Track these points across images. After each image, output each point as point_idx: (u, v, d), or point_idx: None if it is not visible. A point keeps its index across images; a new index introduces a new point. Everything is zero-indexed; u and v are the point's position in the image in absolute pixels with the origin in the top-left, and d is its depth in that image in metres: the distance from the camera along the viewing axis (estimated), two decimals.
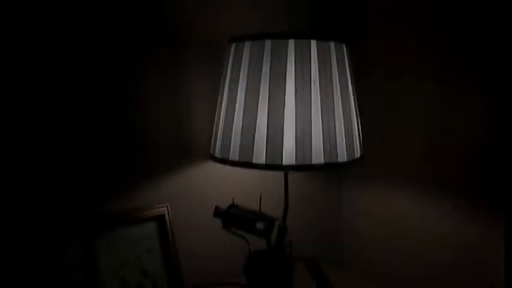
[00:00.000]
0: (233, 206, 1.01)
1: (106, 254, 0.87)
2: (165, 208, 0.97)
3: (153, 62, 1.04)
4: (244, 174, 1.18)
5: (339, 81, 0.93)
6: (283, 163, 0.88)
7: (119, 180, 1.01)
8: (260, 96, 0.90)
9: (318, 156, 0.89)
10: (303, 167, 0.89)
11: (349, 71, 0.97)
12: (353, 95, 0.98)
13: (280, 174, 1.05)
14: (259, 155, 0.90)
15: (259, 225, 0.98)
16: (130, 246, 0.91)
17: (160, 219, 0.95)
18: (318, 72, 0.90)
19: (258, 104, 0.90)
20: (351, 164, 0.94)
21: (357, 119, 0.99)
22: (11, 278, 0.89)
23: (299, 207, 1.30)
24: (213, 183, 1.14)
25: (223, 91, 0.98)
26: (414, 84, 1.21)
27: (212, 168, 1.13)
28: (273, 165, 0.89)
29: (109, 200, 1.00)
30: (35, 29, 0.88)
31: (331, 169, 0.89)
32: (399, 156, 1.26)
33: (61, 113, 0.93)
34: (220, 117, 0.98)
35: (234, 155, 0.93)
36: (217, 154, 0.97)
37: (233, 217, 0.99)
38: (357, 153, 0.97)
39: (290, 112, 0.89)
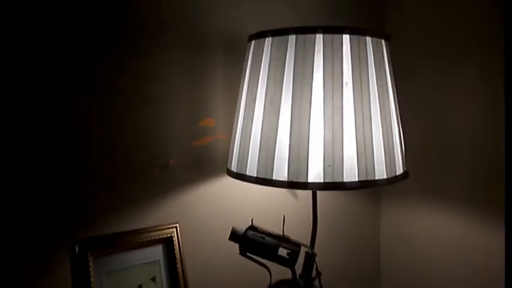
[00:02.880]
0: (252, 228, 0.87)
1: (102, 283, 0.75)
2: (174, 229, 0.84)
3: (172, 66, 0.94)
4: (266, 192, 1.04)
5: (377, 84, 0.78)
6: (309, 180, 0.74)
7: (123, 199, 0.91)
8: (282, 103, 0.77)
9: (351, 174, 0.74)
10: (332, 186, 0.74)
11: (389, 72, 0.82)
12: (394, 100, 0.82)
13: (307, 192, 0.90)
14: (281, 171, 0.76)
15: (283, 252, 0.84)
16: (132, 275, 0.79)
17: (168, 241, 0.83)
18: (351, 73, 0.75)
19: (279, 112, 0.77)
20: (391, 182, 0.78)
21: (399, 129, 0.83)
22: None
23: (329, 231, 1.14)
24: (229, 202, 1.01)
25: (240, 98, 0.86)
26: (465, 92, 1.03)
27: (229, 185, 1.00)
28: (296, 183, 0.75)
29: (111, 221, 0.90)
30: None
31: (367, 188, 0.74)
32: (445, 171, 1.07)
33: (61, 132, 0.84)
34: (237, 128, 0.85)
35: (251, 170, 0.79)
36: (234, 169, 0.84)
37: (252, 241, 0.85)
38: (399, 169, 0.81)
39: (317, 121, 0.74)
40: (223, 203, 1.01)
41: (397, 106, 0.84)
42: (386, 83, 0.80)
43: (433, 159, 1.10)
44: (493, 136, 0.98)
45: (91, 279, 0.73)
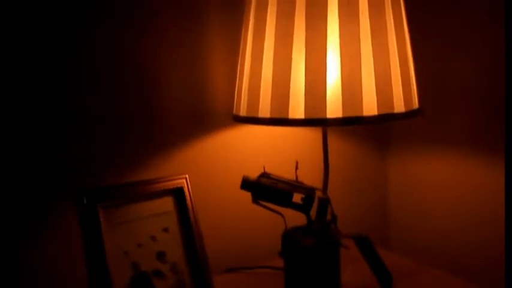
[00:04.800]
0: (264, 175, 0.84)
1: (113, 235, 0.71)
2: (184, 180, 0.81)
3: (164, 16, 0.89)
4: (276, 138, 1.01)
5: (393, 13, 0.74)
6: (328, 116, 0.71)
7: (127, 151, 0.88)
8: (294, 37, 0.72)
9: (370, 107, 0.71)
10: (351, 120, 0.71)
11: (403, 2, 0.79)
12: (408, 31, 0.79)
13: (319, 137, 0.87)
14: (297, 109, 0.72)
15: (297, 197, 0.82)
16: (143, 226, 0.75)
17: (178, 192, 0.80)
18: (366, 1, 0.72)
19: (292, 47, 0.72)
20: (409, 115, 0.76)
21: (413, 63, 0.80)
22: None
23: (340, 176, 1.12)
24: (238, 150, 0.98)
25: (246, 38, 0.81)
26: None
27: (237, 133, 0.97)
28: (314, 119, 0.72)
29: (117, 173, 0.86)
30: None
31: (385, 122, 0.72)
32: (454, 115, 1.06)
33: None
34: (244, 70, 0.81)
35: (264, 111, 0.76)
36: (243, 113, 0.80)
37: (265, 188, 0.82)
38: (415, 104, 0.79)
39: (333, 53, 0.71)
40: (232, 153, 0.97)
41: (410, 40, 0.81)
42: (401, 12, 0.77)
43: (439, 102, 1.09)
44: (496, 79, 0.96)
45: (101, 231, 0.69)
